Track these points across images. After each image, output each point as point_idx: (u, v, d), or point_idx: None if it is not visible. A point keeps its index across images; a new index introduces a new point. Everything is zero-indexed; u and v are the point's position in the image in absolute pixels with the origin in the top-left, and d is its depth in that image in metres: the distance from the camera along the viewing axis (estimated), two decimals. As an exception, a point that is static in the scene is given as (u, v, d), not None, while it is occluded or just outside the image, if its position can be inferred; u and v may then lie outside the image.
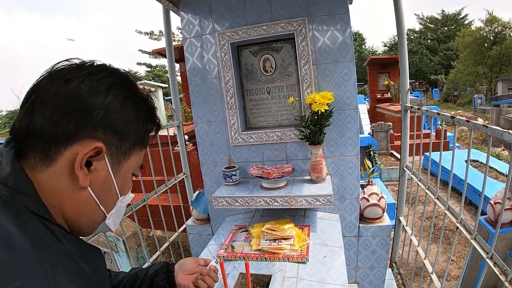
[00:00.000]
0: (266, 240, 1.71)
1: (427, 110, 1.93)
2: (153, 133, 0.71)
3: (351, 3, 2.21)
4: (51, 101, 0.54)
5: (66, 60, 0.61)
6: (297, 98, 2.03)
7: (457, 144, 7.72)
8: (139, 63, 27.79)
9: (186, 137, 3.19)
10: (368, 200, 2.12)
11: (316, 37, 1.95)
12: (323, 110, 1.76)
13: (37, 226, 0.51)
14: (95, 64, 0.62)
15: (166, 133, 2.40)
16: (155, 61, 27.04)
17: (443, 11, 30.78)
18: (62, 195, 0.57)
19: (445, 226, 3.79)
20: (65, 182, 0.57)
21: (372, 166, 2.37)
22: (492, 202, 2.51)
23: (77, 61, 0.62)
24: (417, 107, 2.01)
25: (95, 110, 0.56)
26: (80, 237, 0.64)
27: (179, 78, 9.77)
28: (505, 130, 1.14)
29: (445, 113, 1.63)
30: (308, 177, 2.00)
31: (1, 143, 0.59)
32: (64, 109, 0.54)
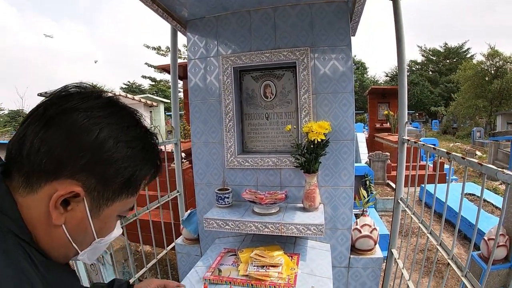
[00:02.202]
0: (254, 266, 1.69)
1: (424, 144, 1.94)
2: (146, 181, 0.66)
3: (354, 35, 2.26)
4: (40, 132, 0.53)
5: (76, 86, 0.59)
6: (294, 126, 2.05)
7: (454, 177, 7.73)
8: (144, 76, 28.25)
9: (183, 154, 3.19)
10: (360, 231, 2.10)
11: (317, 67, 1.98)
12: (319, 140, 1.77)
13: (19, 253, 0.50)
14: (102, 97, 0.59)
15: (164, 150, 2.41)
16: (159, 76, 27.45)
17: (445, 44, 31.52)
18: (36, 225, 0.55)
19: (438, 260, 3.74)
20: (41, 214, 0.55)
21: (368, 196, 2.36)
22: (486, 238, 2.49)
23: (87, 88, 0.60)
24: (413, 140, 2.02)
25: (82, 151, 0.54)
26: (57, 263, 0.61)
27: (181, 95, 9.87)
28: (499, 169, 1.15)
29: (441, 149, 1.63)
30: (301, 205, 2.00)
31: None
32: (51, 144, 0.53)
